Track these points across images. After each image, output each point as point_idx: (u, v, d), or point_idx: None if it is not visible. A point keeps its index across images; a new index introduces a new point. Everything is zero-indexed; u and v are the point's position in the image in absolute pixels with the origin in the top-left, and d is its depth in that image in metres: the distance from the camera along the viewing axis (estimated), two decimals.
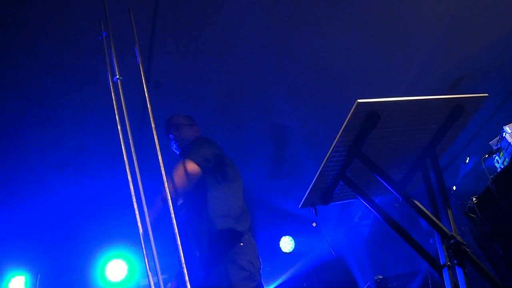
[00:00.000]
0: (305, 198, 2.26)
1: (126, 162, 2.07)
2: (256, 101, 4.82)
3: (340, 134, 1.97)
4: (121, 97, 2.17)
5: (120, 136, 2.12)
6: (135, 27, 2.55)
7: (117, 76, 2.24)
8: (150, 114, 2.22)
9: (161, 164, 2.14)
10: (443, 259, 1.95)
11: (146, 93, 2.28)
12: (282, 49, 4.31)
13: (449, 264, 1.92)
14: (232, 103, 4.78)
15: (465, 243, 1.89)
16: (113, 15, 2.54)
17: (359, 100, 1.88)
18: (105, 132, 4.46)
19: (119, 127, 2.16)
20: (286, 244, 7.06)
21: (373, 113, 1.92)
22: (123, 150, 2.09)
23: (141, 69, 2.37)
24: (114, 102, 2.17)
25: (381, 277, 5.12)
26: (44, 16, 3.49)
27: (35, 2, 3.37)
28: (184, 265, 1.97)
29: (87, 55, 3.75)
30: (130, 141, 2.10)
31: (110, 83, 2.23)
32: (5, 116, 4.20)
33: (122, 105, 2.15)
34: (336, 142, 2.00)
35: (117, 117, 2.15)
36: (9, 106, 4.14)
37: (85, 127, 4.57)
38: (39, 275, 5.59)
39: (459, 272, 1.88)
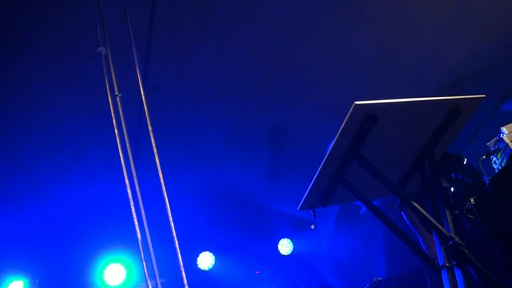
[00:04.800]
0: (304, 201, 2.26)
1: (124, 167, 2.07)
2: (254, 103, 4.82)
3: (338, 136, 1.97)
4: (120, 113, 2.17)
5: (118, 141, 2.12)
6: (132, 30, 2.55)
7: (116, 93, 2.24)
8: (148, 120, 2.22)
9: (159, 169, 2.13)
10: (441, 260, 1.95)
11: (143, 99, 2.28)
12: (280, 51, 4.31)
13: (447, 265, 1.92)
14: (230, 105, 4.77)
15: (464, 244, 1.89)
16: (109, 19, 2.54)
17: (357, 102, 1.88)
18: (103, 137, 4.45)
19: (116, 130, 2.15)
20: (285, 246, 7.05)
21: (371, 115, 1.92)
22: (121, 155, 2.09)
23: (138, 74, 2.36)
24: (113, 118, 2.17)
25: (380, 278, 5.12)
26: (40, 20, 3.48)
27: (32, 6, 3.36)
28: (182, 268, 1.97)
29: (85, 59, 3.74)
30: (128, 146, 2.10)
31: (110, 100, 2.22)
32: (2, 121, 4.18)
33: (120, 117, 2.15)
34: (334, 144, 2.00)
35: (116, 131, 2.14)
36: (6, 111, 4.12)
37: (83, 132, 4.55)
38: (37, 280, 5.57)
39: (458, 273, 1.88)
